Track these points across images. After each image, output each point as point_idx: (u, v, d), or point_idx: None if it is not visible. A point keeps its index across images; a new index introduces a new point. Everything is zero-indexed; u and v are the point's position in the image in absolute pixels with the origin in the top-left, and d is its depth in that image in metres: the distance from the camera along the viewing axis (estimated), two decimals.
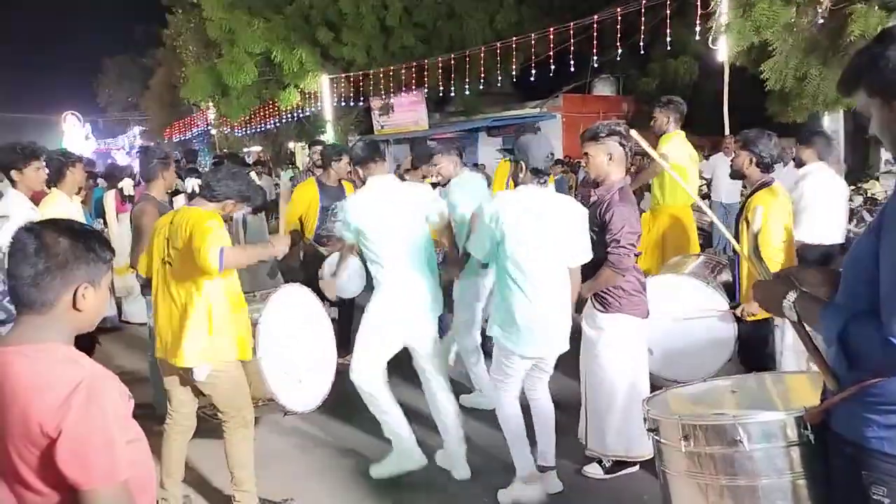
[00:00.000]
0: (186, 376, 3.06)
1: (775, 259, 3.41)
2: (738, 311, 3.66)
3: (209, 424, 3.38)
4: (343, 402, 3.91)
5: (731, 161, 3.84)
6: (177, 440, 3.20)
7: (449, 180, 4.39)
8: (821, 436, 1.61)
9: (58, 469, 1.34)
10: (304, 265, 5.12)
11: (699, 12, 8.41)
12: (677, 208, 4.83)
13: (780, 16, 7.04)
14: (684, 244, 4.77)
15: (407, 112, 16.90)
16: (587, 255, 3.13)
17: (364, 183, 3.49)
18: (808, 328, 1.65)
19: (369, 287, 3.81)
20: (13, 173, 3.90)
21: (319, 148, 6.10)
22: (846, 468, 1.51)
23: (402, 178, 6.13)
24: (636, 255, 3.35)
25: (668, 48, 10.11)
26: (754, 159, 3.57)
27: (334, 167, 5.19)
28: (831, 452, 1.58)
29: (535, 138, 3.20)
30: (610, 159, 3.20)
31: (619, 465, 3.41)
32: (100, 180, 8.67)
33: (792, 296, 1.61)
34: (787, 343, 3.52)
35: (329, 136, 16.29)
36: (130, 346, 6.02)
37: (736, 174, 3.74)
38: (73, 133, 27.29)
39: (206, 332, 2.98)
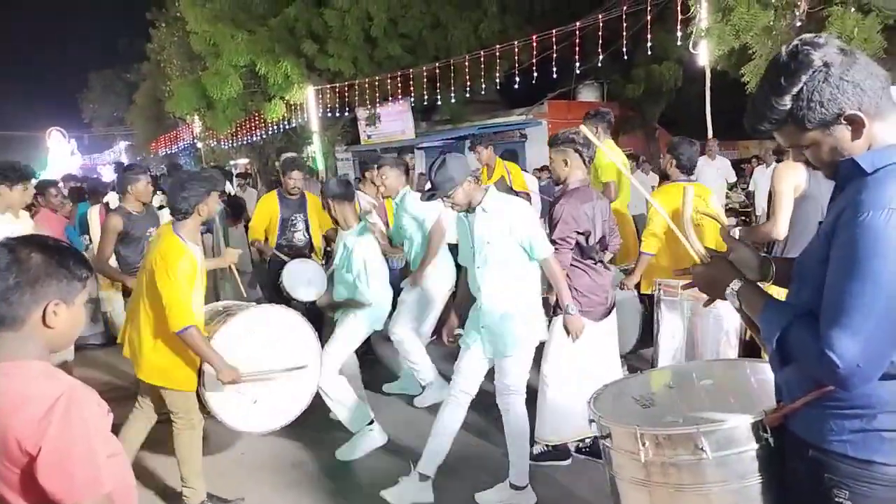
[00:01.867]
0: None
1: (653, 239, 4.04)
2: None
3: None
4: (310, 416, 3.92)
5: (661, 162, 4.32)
6: (135, 426, 3.43)
7: (395, 193, 4.74)
8: (778, 438, 1.60)
9: (39, 486, 1.33)
10: (269, 273, 5.37)
11: (679, 18, 8.51)
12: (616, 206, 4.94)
13: (759, 19, 7.12)
14: (629, 240, 4.89)
15: (393, 122, 16.91)
16: None
17: (338, 216, 3.89)
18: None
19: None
20: (1, 188, 3.92)
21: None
22: (807, 471, 1.51)
23: (357, 188, 6.37)
24: (599, 261, 3.52)
25: (650, 53, 10.20)
26: (674, 161, 4.13)
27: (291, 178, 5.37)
28: (790, 455, 1.57)
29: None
30: (566, 164, 3.53)
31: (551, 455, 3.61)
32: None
33: (736, 285, 1.62)
34: (663, 333, 3.74)
35: (316, 147, 16.28)
36: (119, 361, 5.97)
37: (662, 174, 4.41)
38: (58, 149, 27.08)
39: (163, 358, 3.18)
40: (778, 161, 5.22)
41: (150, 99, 23.35)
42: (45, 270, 1.45)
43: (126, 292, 4.45)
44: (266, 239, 5.42)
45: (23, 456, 1.34)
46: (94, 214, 6.84)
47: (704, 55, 8.52)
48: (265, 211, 5.40)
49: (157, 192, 9.90)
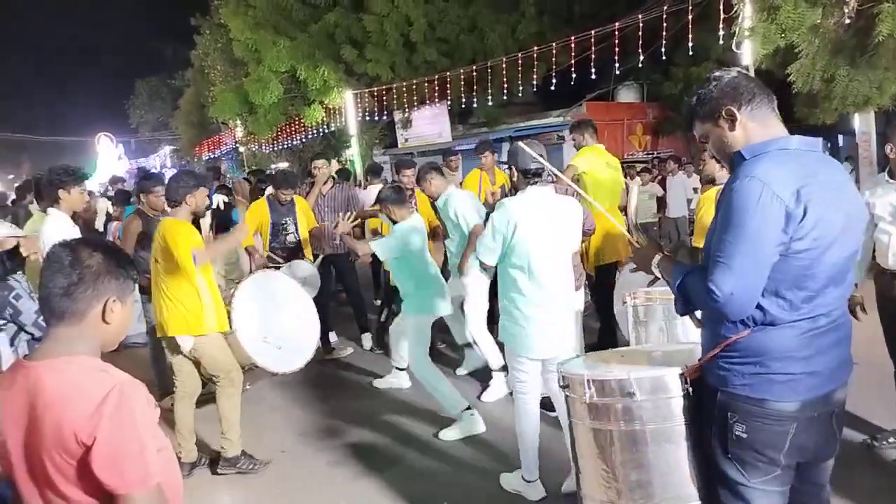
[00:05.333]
0: (178, 349, 3.80)
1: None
2: None
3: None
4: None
5: None
6: (183, 401, 3.92)
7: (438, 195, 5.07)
8: (697, 388, 1.98)
9: (94, 476, 1.39)
10: None
11: (722, 17, 8.35)
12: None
13: (807, 17, 6.94)
14: (615, 242, 5.12)
15: (430, 125, 17.00)
16: (576, 246, 3.48)
17: (395, 217, 4.41)
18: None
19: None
20: (61, 192, 4.03)
21: (320, 162, 6.54)
22: (717, 411, 1.87)
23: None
24: None
25: (691, 53, 10.02)
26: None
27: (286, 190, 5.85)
28: (706, 400, 1.92)
29: (524, 144, 3.31)
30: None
31: None
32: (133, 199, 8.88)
33: (657, 258, 2.12)
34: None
35: (354, 150, 16.46)
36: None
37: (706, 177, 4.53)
38: (107, 154, 27.99)
39: (187, 311, 3.72)
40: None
41: (194, 104, 23.93)
42: (106, 269, 1.54)
43: (142, 290, 4.77)
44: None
45: (79, 447, 1.39)
46: None
47: (748, 55, 8.33)
48: (255, 217, 5.76)
49: None
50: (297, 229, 5.78)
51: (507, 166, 3.38)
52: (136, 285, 1.68)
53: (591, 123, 5.54)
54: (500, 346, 4.42)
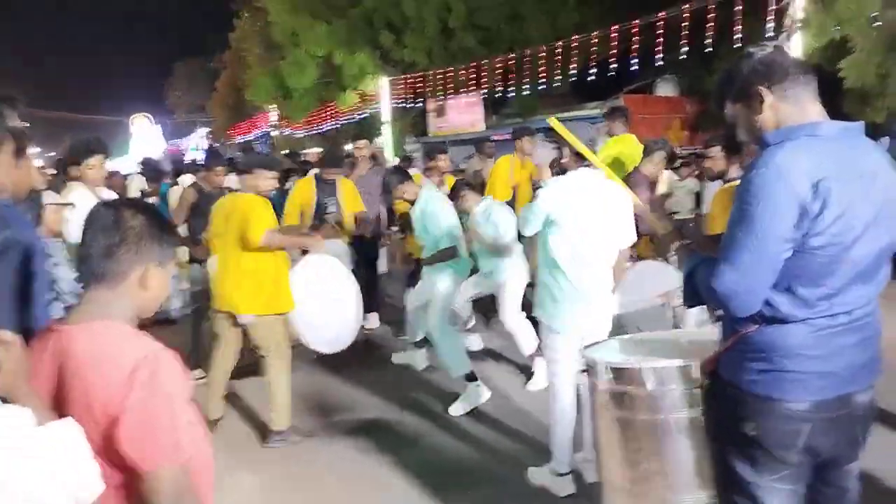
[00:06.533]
0: (235, 320, 3.89)
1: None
2: None
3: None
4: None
5: None
6: (223, 357, 4.01)
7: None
8: (713, 381, 1.88)
9: (121, 449, 1.32)
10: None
11: (771, 7, 8.07)
12: None
13: (865, 9, 6.64)
14: None
15: (463, 114, 16.83)
16: (631, 239, 3.33)
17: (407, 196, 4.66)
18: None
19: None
20: (72, 168, 3.88)
21: (362, 143, 6.82)
22: (727, 407, 1.79)
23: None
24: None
25: (740, 45, 9.74)
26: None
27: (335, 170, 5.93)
28: (718, 394, 1.85)
29: (574, 126, 3.23)
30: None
31: None
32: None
33: (675, 246, 2.17)
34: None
35: (386, 137, 16.39)
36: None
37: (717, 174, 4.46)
38: (143, 134, 28.41)
39: (256, 290, 3.80)
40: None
41: (230, 87, 24.18)
42: (148, 232, 1.48)
43: (192, 259, 5.02)
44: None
45: (105, 416, 1.33)
46: (174, 194, 7.11)
47: (798, 48, 8.05)
48: (303, 194, 5.76)
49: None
50: (338, 209, 5.80)
51: (557, 145, 3.30)
52: (178, 255, 1.62)
53: (624, 112, 5.42)
54: (535, 324, 4.39)
